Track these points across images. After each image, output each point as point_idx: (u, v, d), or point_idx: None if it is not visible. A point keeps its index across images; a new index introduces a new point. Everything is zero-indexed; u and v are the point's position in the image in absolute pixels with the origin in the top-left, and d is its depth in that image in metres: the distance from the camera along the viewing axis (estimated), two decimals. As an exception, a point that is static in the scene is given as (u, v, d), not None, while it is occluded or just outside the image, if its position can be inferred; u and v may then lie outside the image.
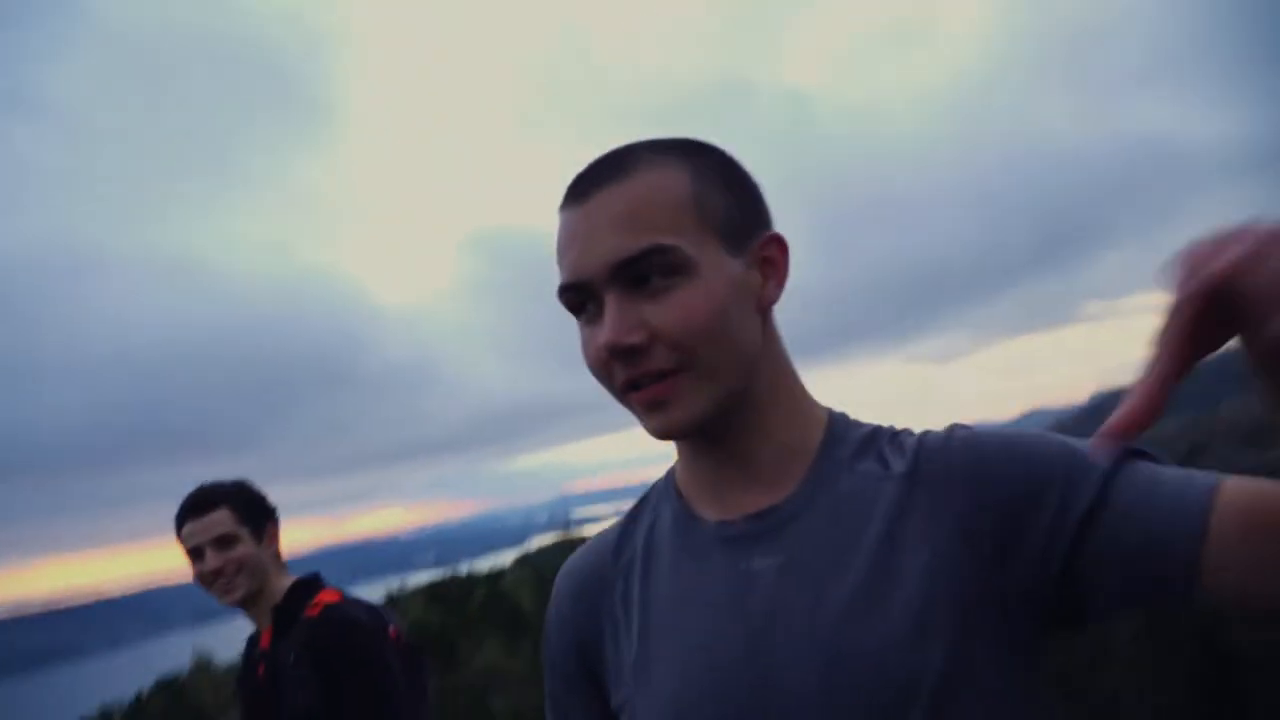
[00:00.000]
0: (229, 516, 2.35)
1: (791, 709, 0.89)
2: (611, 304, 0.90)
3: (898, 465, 0.94)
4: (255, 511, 2.41)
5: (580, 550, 1.12)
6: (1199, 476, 0.84)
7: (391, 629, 2.32)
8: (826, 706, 0.87)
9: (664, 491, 1.08)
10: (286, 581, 2.42)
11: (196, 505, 2.36)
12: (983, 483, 0.89)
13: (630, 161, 0.93)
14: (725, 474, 1.00)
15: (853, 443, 0.99)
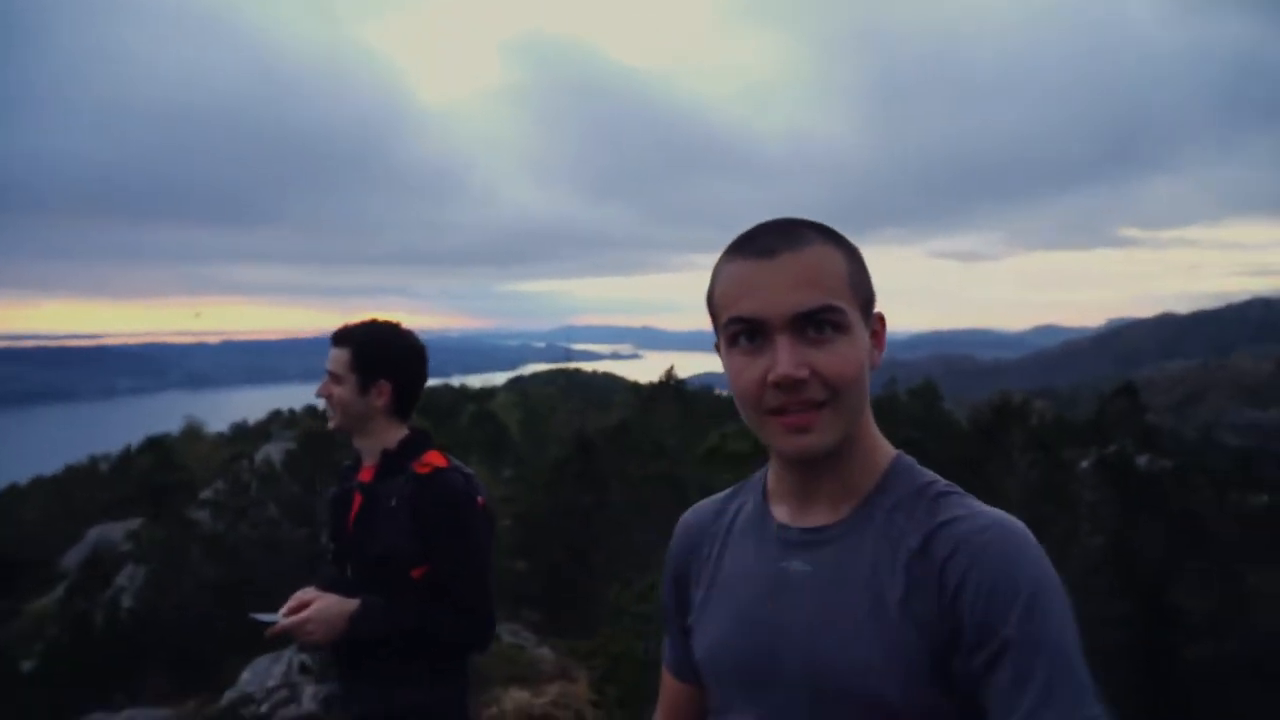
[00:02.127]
0: (346, 357, 2.60)
1: (779, 680, 1.20)
2: (785, 344, 1.13)
3: (912, 540, 1.15)
4: (370, 363, 2.60)
5: (696, 506, 1.47)
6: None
7: (480, 499, 2.59)
8: (803, 687, 1.17)
9: (756, 484, 1.36)
10: (399, 433, 2.65)
11: (336, 336, 2.65)
12: (958, 596, 1.09)
13: (803, 235, 1.17)
14: (800, 491, 1.26)
15: (898, 494, 1.21)
